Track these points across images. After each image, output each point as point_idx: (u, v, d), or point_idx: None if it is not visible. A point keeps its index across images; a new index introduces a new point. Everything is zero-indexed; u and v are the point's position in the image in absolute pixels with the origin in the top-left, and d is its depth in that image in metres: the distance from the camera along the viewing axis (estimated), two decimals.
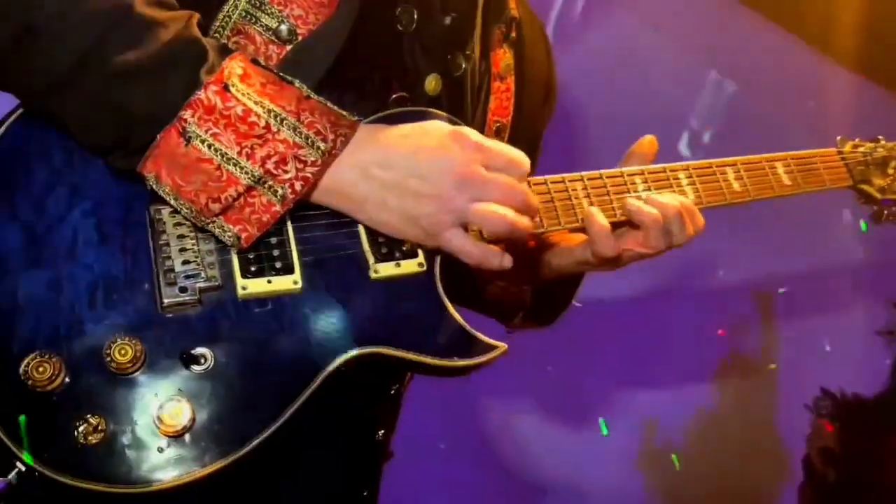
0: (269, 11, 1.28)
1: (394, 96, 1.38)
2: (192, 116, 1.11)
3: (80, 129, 1.15)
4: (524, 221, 1.24)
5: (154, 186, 1.14)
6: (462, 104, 1.50)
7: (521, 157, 1.25)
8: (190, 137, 1.11)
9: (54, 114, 1.16)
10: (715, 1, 3.16)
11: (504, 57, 1.61)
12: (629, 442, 3.02)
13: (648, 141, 1.50)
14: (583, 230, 1.41)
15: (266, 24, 1.28)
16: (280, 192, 1.14)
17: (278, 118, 1.14)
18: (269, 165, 1.13)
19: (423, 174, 1.19)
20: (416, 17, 1.38)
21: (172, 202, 1.15)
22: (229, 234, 1.16)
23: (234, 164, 1.13)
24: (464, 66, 1.49)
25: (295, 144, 1.14)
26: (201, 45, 1.14)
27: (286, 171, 1.14)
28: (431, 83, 1.41)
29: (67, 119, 1.15)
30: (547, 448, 2.93)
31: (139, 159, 1.13)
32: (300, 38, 1.28)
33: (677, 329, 3.01)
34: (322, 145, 1.15)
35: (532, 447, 2.94)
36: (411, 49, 1.39)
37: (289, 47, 1.28)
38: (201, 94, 1.11)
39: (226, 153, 1.12)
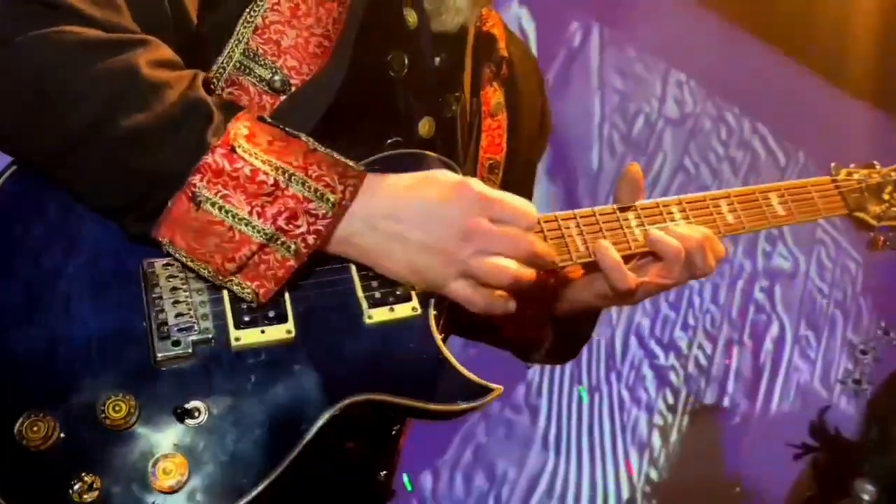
0: (262, 63, 1.29)
1: (388, 141, 1.39)
2: (202, 181, 1.12)
3: (90, 192, 1.16)
4: (528, 272, 1.24)
5: (170, 250, 1.15)
6: (454, 145, 1.51)
7: (527, 207, 1.25)
8: (200, 202, 1.12)
9: (65, 177, 1.17)
10: (726, 34, 3.18)
11: (494, 95, 1.63)
12: None
13: (634, 168, 1.50)
14: (594, 265, 1.41)
15: (259, 76, 1.29)
16: (293, 247, 1.15)
17: (286, 174, 1.15)
18: (281, 222, 1.14)
19: (427, 227, 1.20)
20: (406, 62, 1.40)
21: (189, 264, 1.16)
22: (248, 290, 1.17)
23: (246, 224, 1.13)
24: (455, 107, 1.51)
25: (305, 199, 1.15)
26: (206, 105, 1.15)
27: (298, 227, 1.15)
28: (425, 126, 1.43)
29: (77, 182, 1.16)
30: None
31: (152, 224, 1.14)
32: (293, 88, 1.29)
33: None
34: (332, 197, 1.16)
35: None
36: (404, 94, 1.41)
37: (282, 97, 1.29)
38: (209, 157, 1.12)
39: (237, 214, 1.13)
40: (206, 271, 1.16)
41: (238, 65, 1.30)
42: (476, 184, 1.24)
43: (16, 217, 1.19)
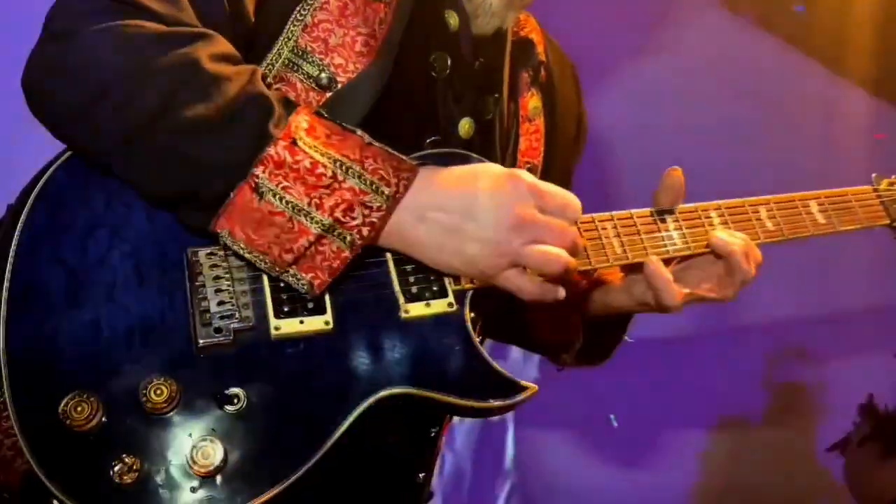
0: (310, 60, 1.32)
1: (428, 140, 1.41)
2: (264, 172, 1.14)
3: (148, 182, 1.19)
4: (575, 262, 1.25)
5: (228, 242, 1.17)
6: (492, 147, 1.52)
7: (574, 201, 1.26)
8: (263, 192, 1.14)
9: (123, 168, 1.19)
10: (737, 29, 3.16)
11: (532, 100, 1.64)
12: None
13: (676, 173, 1.49)
14: (631, 268, 1.42)
15: (307, 73, 1.32)
16: (349, 238, 1.17)
17: (344, 167, 1.17)
18: (338, 213, 1.16)
19: (479, 218, 1.21)
20: (449, 62, 1.41)
21: (247, 256, 1.18)
22: (303, 282, 1.19)
23: (305, 215, 1.15)
24: (493, 109, 1.52)
25: (361, 191, 1.17)
26: (266, 99, 1.17)
27: (353, 218, 1.17)
28: (465, 126, 1.44)
29: (135, 173, 1.19)
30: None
31: (211, 216, 1.16)
32: (340, 85, 1.32)
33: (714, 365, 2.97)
34: (386, 190, 1.18)
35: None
36: (445, 94, 1.43)
37: (328, 94, 1.31)
38: (271, 149, 1.14)
39: (297, 205, 1.15)
40: (263, 263, 1.18)
41: (287, 62, 1.32)
42: (526, 175, 1.25)
43: (65, 205, 1.22)
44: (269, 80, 1.31)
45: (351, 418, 1.17)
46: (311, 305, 1.22)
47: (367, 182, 1.17)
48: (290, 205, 1.15)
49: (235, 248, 1.17)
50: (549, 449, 2.94)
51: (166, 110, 1.12)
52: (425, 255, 1.24)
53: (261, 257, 1.17)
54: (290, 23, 1.32)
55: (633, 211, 1.44)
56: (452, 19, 1.44)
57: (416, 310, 1.26)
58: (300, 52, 1.32)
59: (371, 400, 1.19)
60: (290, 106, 1.19)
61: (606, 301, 1.54)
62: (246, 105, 1.15)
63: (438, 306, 1.28)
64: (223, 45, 1.20)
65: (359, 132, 1.21)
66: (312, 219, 1.15)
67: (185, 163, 1.14)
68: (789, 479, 3.09)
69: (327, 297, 1.23)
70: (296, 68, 1.32)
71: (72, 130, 1.20)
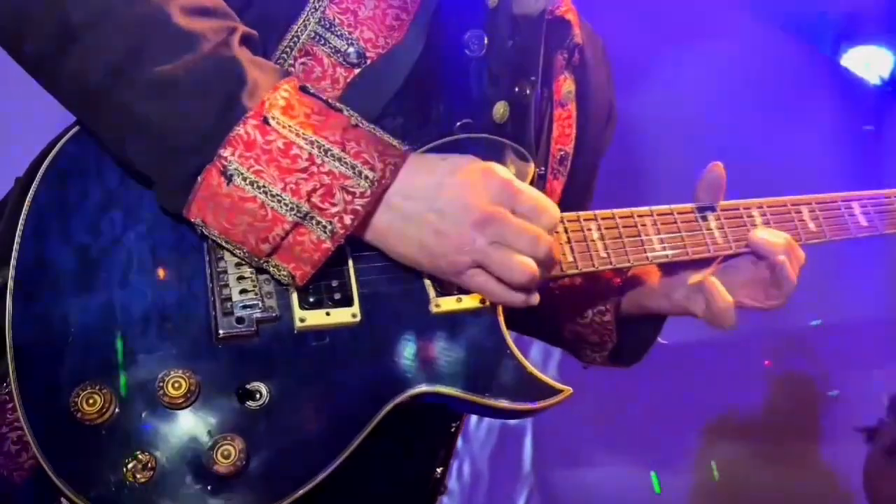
0: (338, 33, 1.23)
1: (458, 123, 1.33)
2: (233, 154, 1.05)
3: (110, 144, 1.11)
4: (544, 274, 1.17)
5: (203, 231, 1.09)
6: (525, 131, 1.45)
7: (551, 207, 1.18)
8: (231, 175, 1.05)
9: (89, 125, 1.12)
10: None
11: (565, 84, 1.56)
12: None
13: (717, 167, 1.44)
14: (670, 267, 1.38)
15: (335, 46, 1.23)
16: (329, 227, 1.08)
17: (322, 149, 1.08)
18: (315, 199, 1.07)
19: (444, 210, 1.12)
20: (485, 42, 1.33)
21: (224, 245, 1.10)
22: (284, 272, 1.10)
23: (279, 201, 1.06)
24: (529, 92, 1.44)
25: (341, 175, 1.08)
26: (239, 64, 1.08)
27: (333, 205, 1.08)
28: (500, 110, 1.36)
29: (99, 132, 1.11)
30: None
31: (183, 200, 1.07)
32: (369, 61, 1.23)
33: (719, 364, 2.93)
34: (370, 174, 1.09)
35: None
36: (478, 74, 1.34)
37: (356, 70, 1.23)
38: (240, 128, 1.05)
39: (269, 190, 1.06)
40: (241, 252, 1.10)
41: (313, 34, 1.24)
42: (502, 170, 1.17)
43: (75, 180, 1.14)
44: (294, 53, 1.23)
45: (377, 418, 1.11)
46: (337, 296, 1.15)
47: (349, 165, 1.08)
48: (261, 189, 1.05)
49: (212, 237, 1.09)
50: (567, 451, 2.90)
51: (127, 68, 1.04)
52: (388, 245, 1.15)
53: (238, 247, 1.09)
54: None
55: (674, 207, 1.38)
56: None
57: (447, 304, 1.20)
58: (327, 24, 1.23)
59: (398, 399, 1.13)
60: (270, 77, 1.10)
61: (643, 303, 1.48)
62: (216, 69, 1.06)
63: (470, 301, 1.21)
64: None
65: (346, 111, 1.12)
66: (287, 205, 1.06)
67: (148, 126, 1.05)
68: (808, 484, 3.06)
69: (355, 289, 1.16)
70: (322, 42, 1.23)
71: (39, 79, 1.12)
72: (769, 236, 1.39)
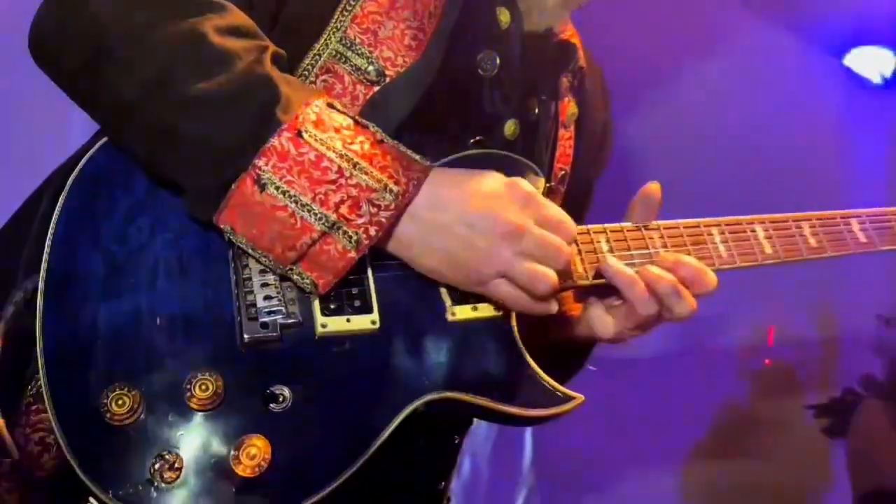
0: (359, 52, 1.28)
1: (472, 140, 1.38)
2: (266, 164, 1.09)
3: (146, 157, 1.15)
4: (560, 284, 1.20)
5: (231, 238, 1.13)
6: (534, 150, 1.49)
7: (568, 220, 1.23)
8: (265, 184, 1.09)
9: (122, 143, 1.15)
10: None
11: (569, 106, 1.61)
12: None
13: (652, 188, 1.41)
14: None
15: (355, 65, 1.28)
16: (354, 237, 1.12)
17: (350, 162, 1.12)
18: (343, 210, 1.11)
19: (473, 222, 1.17)
20: (497, 62, 1.38)
21: (251, 252, 1.14)
22: (307, 280, 1.14)
23: (308, 211, 1.10)
24: (538, 111, 1.49)
25: (368, 188, 1.12)
26: (271, 82, 1.12)
27: (360, 216, 1.12)
28: (510, 127, 1.41)
29: (135, 146, 1.15)
30: None
31: (214, 208, 1.11)
32: (388, 79, 1.28)
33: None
34: (395, 188, 1.13)
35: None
36: (492, 93, 1.39)
37: (376, 88, 1.27)
38: (275, 140, 1.09)
39: (300, 199, 1.10)
40: (266, 259, 1.14)
41: (334, 52, 1.28)
42: (525, 184, 1.21)
43: (105, 188, 1.18)
44: (315, 70, 1.27)
45: (395, 423, 1.14)
46: (357, 304, 1.18)
47: (375, 178, 1.13)
48: (292, 199, 1.10)
49: (239, 244, 1.13)
50: (567, 451, 2.91)
51: (163, 84, 1.08)
52: (410, 255, 1.19)
53: (264, 254, 1.13)
54: (338, 11, 1.28)
55: (681, 221, 1.41)
56: (504, 16, 1.41)
57: (463, 313, 1.23)
58: (348, 44, 1.28)
59: (416, 404, 1.15)
60: (301, 93, 1.14)
61: (570, 334, 1.46)
62: (248, 86, 1.10)
63: (485, 310, 1.24)
64: (236, 17, 1.15)
65: (372, 127, 1.17)
66: (316, 215, 1.10)
67: (179, 141, 1.09)
68: (802, 479, 3.08)
69: (374, 296, 1.20)
70: (344, 60, 1.28)
71: (74, 95, 1.16)
72: (618, 266, 1.32)
